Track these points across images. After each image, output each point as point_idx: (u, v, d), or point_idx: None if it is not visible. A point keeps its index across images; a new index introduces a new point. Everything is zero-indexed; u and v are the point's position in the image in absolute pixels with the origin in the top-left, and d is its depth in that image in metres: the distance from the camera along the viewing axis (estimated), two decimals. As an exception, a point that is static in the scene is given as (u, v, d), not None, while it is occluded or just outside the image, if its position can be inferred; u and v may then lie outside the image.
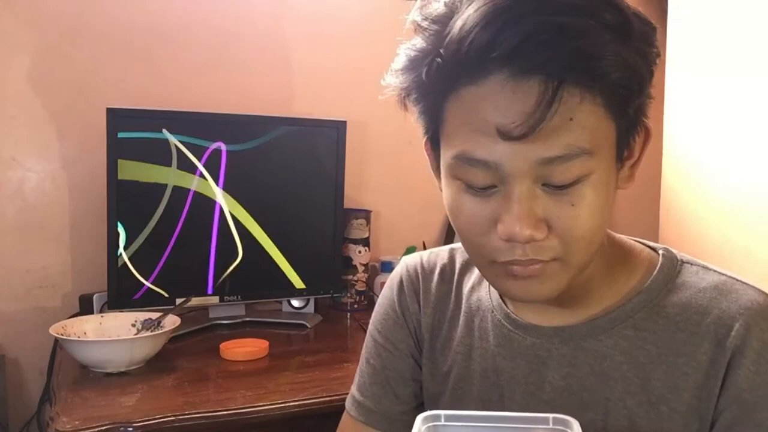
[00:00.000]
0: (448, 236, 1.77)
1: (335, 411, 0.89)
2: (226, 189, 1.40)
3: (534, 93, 0.50)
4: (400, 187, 1.71)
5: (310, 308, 1.55)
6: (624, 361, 0.61)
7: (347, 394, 0.83)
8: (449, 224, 1.77)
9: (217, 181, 1.40)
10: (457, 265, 0.78)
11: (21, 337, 1.42)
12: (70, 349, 1.14)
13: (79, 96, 1.45)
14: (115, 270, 1.32)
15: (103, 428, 0.90)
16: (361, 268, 1.60)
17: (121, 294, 1.33)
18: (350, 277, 1.59)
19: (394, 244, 1.73)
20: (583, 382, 0.63)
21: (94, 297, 1.37)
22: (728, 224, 1.34)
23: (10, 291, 1.43)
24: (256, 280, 1.46)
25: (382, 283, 1.08)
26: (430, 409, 0.55)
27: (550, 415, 0.52)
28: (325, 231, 1.51)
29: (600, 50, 0.49)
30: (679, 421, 0.59)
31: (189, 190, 1.37)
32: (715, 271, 0.64)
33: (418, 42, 0.56)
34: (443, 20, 0.54)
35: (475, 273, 0.76)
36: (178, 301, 1.33)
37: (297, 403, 1.02)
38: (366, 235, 1.60)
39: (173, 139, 1.35)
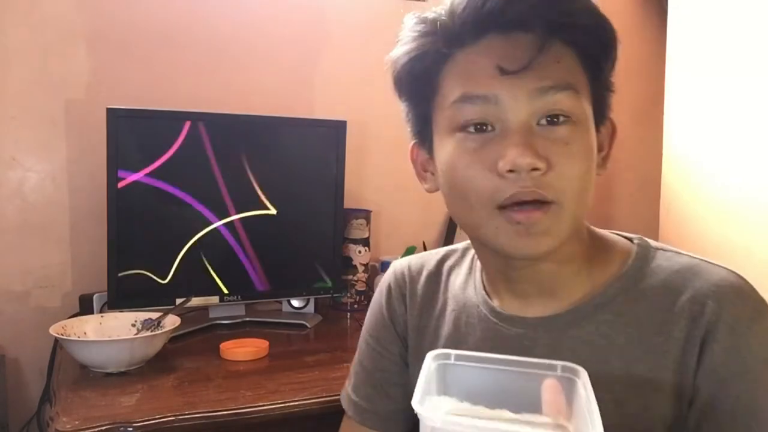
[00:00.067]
0: (448, 236, 1.77)
1: (335, 411, 0.89)
2: (227, 188, 1.40)
3: (525, 41, 0.58)
4: (400, 187, 1.71)
5: (310, 308, 1.55)
6: (606, 345, 0.63)
7: (346, 393, 0.84)
8: (449, 224, 1.77)
9: (217, 181, 1.40)
10: (445, 267, 0.80)
11: (21, 337, 1.42)
12: (70, 349, 1.14)
13: (79, 96, 1.45)
14: (115, 270, 1.32)
15: (103, 428, 0.90)
16: (361, 268, 1.60)
17: (121, 294, 1.33)
18: (350, 277, 1.59)
19: (394, 244, 1.73)
20: None
21: (94, 297, 1.37)
22: (728, 224, 1.34)
23: (10, 291, 1.43)
24: (256, 279, 1.46)
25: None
26: None
27: (558, 363, 0.53)
28: (325, 231, 1.51)
29: (571, 0, 0.59)
30: (663, 400, 0.61)
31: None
32: (686, 255, 0.67)
33: (419, 19, 0.64)
34: (437, 8, 0.63)
35: (463, 273, 0.78)
36: (178, 301, 1.33)
37: (297, 403, 1.02)
38: (366, 235, 1.60)
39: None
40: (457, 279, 0.78)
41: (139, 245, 1.35)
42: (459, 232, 1.71)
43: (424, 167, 0.71)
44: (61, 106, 1.44)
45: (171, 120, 1.36)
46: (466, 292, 0.76)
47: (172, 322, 1.23)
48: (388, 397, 0.81)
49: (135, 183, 1.32)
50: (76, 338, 1.16)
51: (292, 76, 1.65)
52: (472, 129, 0.61)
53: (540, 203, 0.58)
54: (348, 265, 1.59)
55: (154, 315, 1.25)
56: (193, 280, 1.39)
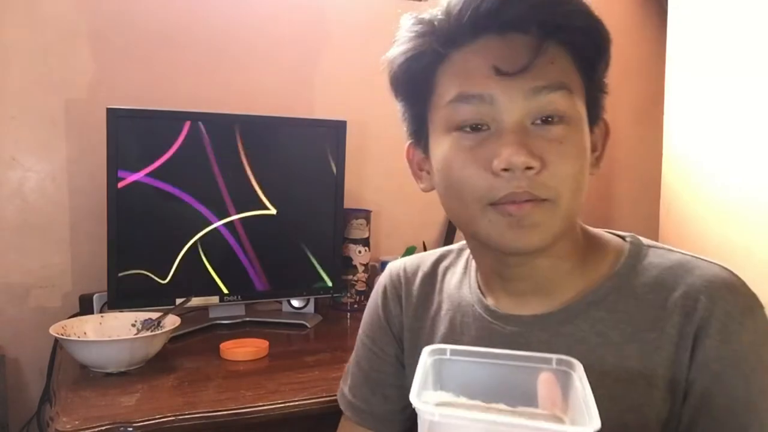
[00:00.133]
0: (448, 236, 1.77)
1: (335, 411, 0.89)
2: (227, 188, 1.41)
3: (521, 43, 0.59)
4: (400, 187, 1.71)
5: (310, 308, 1.55)
6: (600, 342, 0.64)
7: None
8: (449, 224, 1.77)
9: (217, 181, 1.40)
10: (441, 267, 0.81)
11: (21, 337, 1.42)
12: (70, 349, 1.14)
13: (79, 96, 1.45)
14: (115, 270, 1.32)
15: (103, 428, 0.90)
16: (361, 268, 1.60)
17: (121, 294, 1.33)
18: (350, 277, 1.59)
19: (394, 244, 1.73)
20: None
21: (94, 297, 1.37)
22: (728, 224, 1.34)
23: (10, 291, 1.43)
24: (256, 279, 1.46)
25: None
26: None
27: (554, 356, 0.53)
28: (325, 231, 1.51)
29: (567, 1, 0.60)
30: (656, 395, 0.61)
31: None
32: (678, 251, 0.67)
33: (416, 19, 0.65)
34: (433, 9, 0.64)
35: (458, 272, 0.79)
36: (178, 301, 1.33)
37: (297, 403, 1.02)
38: (366, 235, 1.60)
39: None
40: (453, 279, 0.79)
41: (139, 245, 1.35)
42: (459, 232, 1.71)
43: (420, 166, 0.72)
44: (61, 106, 1.44)
45: (171, 120, 1.37)
46: (461, 291, 0.76)
47: (172, 322, 1.23)
48: (385, 398, 0.82)
49: (135, 183, 1.32)
50: (76, 338, 1.16)
51: (292, 76, 1.65)
52: (467, 128, 0.62)
53: (533, 200, 0.59)
54: (348, 265, 1.59)
55: (154, 315, 1.25)
56: (193, 280, 1.39)
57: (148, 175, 1.33)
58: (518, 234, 0.60)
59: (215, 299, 1.43)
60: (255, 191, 1.43)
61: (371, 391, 0.82)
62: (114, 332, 1.22)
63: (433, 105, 0.66)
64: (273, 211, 1.46)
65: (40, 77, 1.42)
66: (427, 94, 0.66)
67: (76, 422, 0.91)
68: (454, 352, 0.55)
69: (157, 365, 1.16)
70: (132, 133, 1.32)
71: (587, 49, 0.62)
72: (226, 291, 1.43)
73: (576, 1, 0.60)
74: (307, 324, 1.46)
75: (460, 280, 0.78)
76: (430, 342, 0.76)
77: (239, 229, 1.43)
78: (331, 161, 1.49)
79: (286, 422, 1.02)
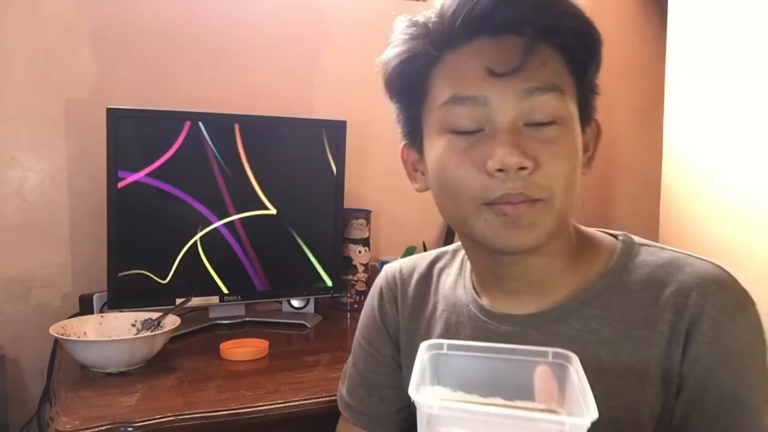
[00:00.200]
0: (448, 236, 1.77)
1: (335, 411, 0.89)
2: (227, 188, 1.40)
3: (513, 45, 0.60)
4: (400, 187, 1.69)
5: (310, 308, 1.55)
6: (594, 340, 0.64)
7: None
8: (449, 224, 1.77)
9: (217, 181, 1.40)
10: (436, 269, 0.82)
11: (21, 337, 1.42)
12: (70, 349, 1.14)
13: (79, 96, 1.45)
14: (115, 270, 1.32)
15: (103, 428, 0.90)
16: (361, 268, 1.60)
17: (121, 294, 1.33)
18: (350, 277, 1.59)
19: (394, 244, 1.73)
20: None
21: (94, 297, 1.37)
22: (728, 224, 1.34)
23: (10, 291, 1.43)
24: (256, 279, 1.46)
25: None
26: (416, 409, 0.56)
27: (550, 349, 0.54)
28: (325, 231, 1.51)
29: (559, 2, 0.61)
30: (650, 391, 0.62)
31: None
32: (670, 249, 0.68)
33: (409, 22, 0.66)
34: (427, 12, 0.65)
35: (453, 273, 0.79)
36: (178, 301, 1.33)
37: (297, 403, 1.02)
38: (366, 235, 1.60)
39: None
40: (448, 280, 0.79)
41: (139, 245, 1.35)
42: (459, 232, 1.71)
43: (415, 167, 0.73)
44: (61, 106, 1.44)
45: (171, 120, 1.36)
46: (456, 291, 0.77)
47: (172, 322, 1.23)
48: (382, 399, 0.82)
49: (135, 183, 1.32)
50: (76, 338, 1.16)
51: (292, 76, 1.65)
52: (462, 130, 0.62)
53: (527, 200, 0.60)
54: (348, 265, 1.59)
55: (154, 315, 1.25)
56: (193, 280, 1.39)
57: (148, 175, 1.33)
58: (513, 234, 0.61)
59: (215, 299, 1.43)
60: (255, 191, 1.43)
61: (368, 392, 0.83)
62: (114, 332, 1.22)
63: (427, 107, 0.66)
64: (273, 211, 1.46)
65: (40, 77, 1.42)
66: (422, 96, 0.67)
67: (76, 422, 0.91)
68: (451, 347, 0.56)
69: (157, 365, 1.16)
70: (132, 133, 1.32)
71: (579, 50, 0.63)
72: (226, 291, 1.43)
73: (568, 3, 0.61)
74: (307, 324, 1.46)
75: (455, 280, 0.78)
76: None
77: (239, 229, 1.43)
78: (331, 161, 1.49)
79: (286, 422, 1.02)
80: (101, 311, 1.34)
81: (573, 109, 0.63)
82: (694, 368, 0.61)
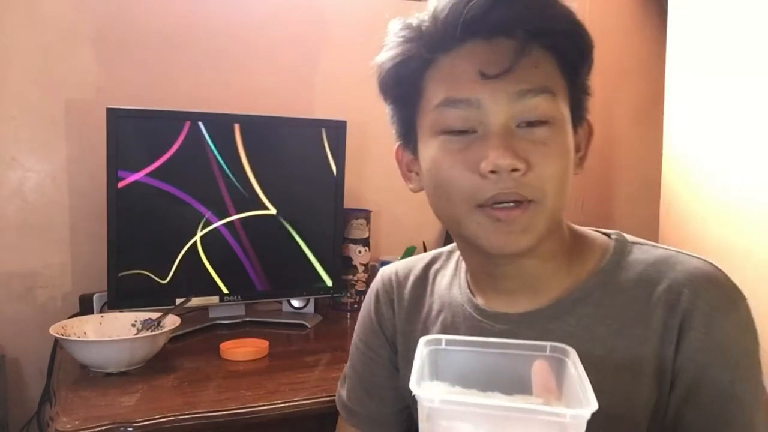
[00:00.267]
0: (448, 236, 1.76)
1: (335, 411, 0.89)
2: (227, 188, 1.41)
3: (505, 48, 0.61)
4: (400, 187, 1.68)
5: (310, 308, 1.55)
6: (588, 337, 0.65)
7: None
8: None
9: (217, 181, 1.40)
10: (432, 271, 0.82)
11: (21, 337, 1.42)
12: (70, 349, 1.14)
13: (79, 96, 1.45)
14: (115, 270, 1.32)
15: (103, 428, 0.90)
16: (361, 268, 1.60)
17: (121, 294, 1.33)
18: (350, 277, 1.59)
19: (394, 244, 1.73)
20: None
21: (94, 297, 1.37)
22: (728, 224, 1.34)
23: (10, 291, 1.43)
24: (256, 279, 1.46)
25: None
26: (414, 409, 0.57)
27: (547, 343, 0.54)
28: (325, 231, 1.51)
29: (550, 5, 0.62)
30: (644, 387, 0.63)
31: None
32: (662, 247, 0.69)
33: (403, 24, 0.67)
34: (421, 14, 0.66)
35: (449, 273, 0.80)
36: (178, 301, 1.33)
37: (297, 403, 1.02)
38: (366, 235, 1.60)
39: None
40: (443, 280, 0.80)
41: (139, 245, 1.35)
42: (459, 232, 1.71)
43: (409, 167, 0.74)
44: (61, 106, 1.44)
45: (171, 120, 1.36)
46: (451, 292, 0.77)
47: (172, 322, 1.23)
48: (382, 401, 0.83)
49: (135, 183, 1.32)
50: (76, 338, 1.16)
51: (292, 76, 1.65)
52: (455, 132, 0.63)
53: (519, 202, 0.61)
54: (348, 265, 1.59)
55: (154, 315, 1.25)
56: (193, 280, 1.39)
57: (148, 175, 1.33)
58: (506, 239, 0.62)
59: (215, 299, 1.43)
60: (255, 191, 1.43)
61: (367, 394, 0.84)
62: (114, 332, 1.22)
63: (421, 109, 0.67)
64: (273, 211, 1.46)
65: (40, 77, 1.42)
66: (416, 98, 0.67)
67: (76, 422, 0.91)
68: (449, 342, 0.56)
69: (157, 365, 1.16)
70: (132, 133, 1.32)
71: (570, 52, 0.64)
72: (226, 291, 1.43)
73: (559, 6, 0.62)
74: (307, 324, 1.46)
75: (450, 281, 0.79)
76: None
77: (239, 229, 1.43)
78: (331, 161, 1.49)
79: (286, 422, 1.02)
80: (101, 311, 1.34)
81: (565, 110, 0.64)
82: (687, 364, 0.62)
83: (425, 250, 1.60)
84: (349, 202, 1.55)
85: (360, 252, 1.59)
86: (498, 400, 0.49)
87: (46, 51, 1.42)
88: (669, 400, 0.63)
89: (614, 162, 2.05)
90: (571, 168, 0.64)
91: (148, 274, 1.35)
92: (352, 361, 0.87)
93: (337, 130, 1.49)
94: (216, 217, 1.40)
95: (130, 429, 0.91)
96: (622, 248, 0.69)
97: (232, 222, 1.42)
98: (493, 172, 0.60)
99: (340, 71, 1.67)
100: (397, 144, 0.74)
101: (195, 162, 1.37)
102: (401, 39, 0.66)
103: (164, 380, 1.10)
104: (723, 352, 0.61)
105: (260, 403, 1.01)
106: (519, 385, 0.51)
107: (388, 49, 0.68)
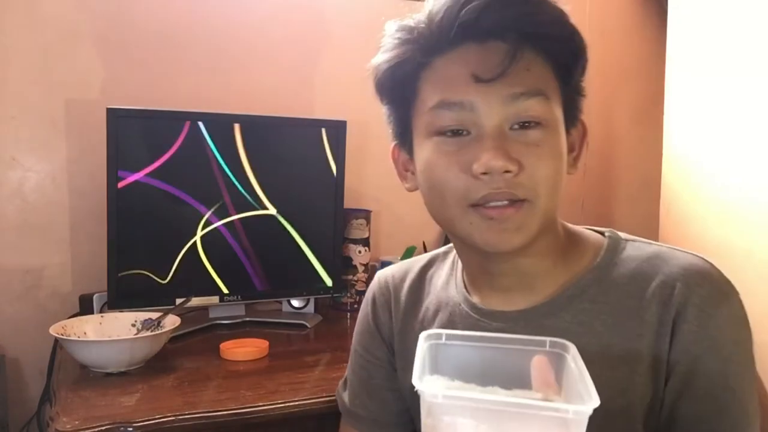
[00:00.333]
0: (447, 236, 1.76)
1: (335, 411, 0.89)
2: (227, 188, 1.40)
3: (498, 51, 0.61)
4: (400, 187, 1.69)
5: (310, 308, 1.55)
6: (584, 333, 0.66)
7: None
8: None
9: (217, 181, 1.40)
10: (429, 272, 0.83)
11: (21, 337, 1.42)
12: (70, 349, 1.14)
13: (79, 96, 1.45)
14: (115, 270, 1.32)
15: (103, 428, 0.90)
16: (361, 268, 1.60)
17: (121, 294, 1.33)
18: (350, 277, 1.59)
19: (394, 244, 1.73)
20: None
21: (94, 297, 1.37)
22: (728, 224, 1.34)
23: (10, 291, 1.43)
24: (256, 279, 1.46)
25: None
26: (415, 409, 0.56)
27: (547, 339, 0.55)
28: (325, 231, 1.51)
29: (543, 10, 0.63)
30: (639, 380, 0.64)
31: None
32: (655, 244, 0.70)
33: (399, 26, 0.68)
34: (417, 16, 0.66)
35: (445, 273, 0.81)
36: (178, 301, 1.33)
37: (297, 403, 1.02)
38: (366, 235, 1.60)
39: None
40: (439, 281, 0.81)
41: (139, 245, 1.35)
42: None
43: (405, 167, 0.75)
44: (61, 106, 1.44)
45: (171, 120, 1.36)
46: (447, 291, 0.78)
47: (172, 322, 1.23)
48: (382, 403, 0.84)
49: (135, 183, 1.32)
50: (76, 338, 1.16)
51: (292, 76, 1.65)
52: (449, 133, 0.64)
53: (512, 201, 0.62)
54: (348, 265, 1.59)
55: (154, 315, 1.25)
56: (193, 280, 1.39)
57: (148, 175, 1.33)
58: (499, 237, 0.63)
59: (215, 299, 1.43)
60: (255, 191, 1.43)
61: (369, 397, 0.84)
62: (114, 332, 1.22)
63: (416, 110, 0.68)
64: (273, 211, 1.46)
65: (40, 77, 1.42)
66: (411, 100, 0.68)
67: (76, 422, 0.91)
68: (449, 337, 0.57)
69: (157, 365, 1.16)
70: (132, 133, 1.32)
71: (563, 55, 0.65)
72: (226, 291, 1.43)
73: (551, 9, 0.63)
74: (307, 324, 1.46)
75: (446, 280, 0.80)
76: None
77: (239, 229, 1.43)
78: (331, 161, 1.49)
79: (286, 422, 1.02)
80: (101, 311, 1.34)
81: (558, 112, 0.65)
82: (681, 356, 0.63)
83: (425, 250, 1.60)
84: (349, 202, 1.55)
85: (360, 252, 1.59)
86: (501, 396, 0.49)
87: (46, 51, 1.42)
88: (665, 393, 0.64)
89: (614, 162, 2.05)
90: (563, 169, 0.65)
91: (148, 274, 1.35)
92: (352, 366, 0.88)
93: (337, 130, 1.49)
94: (216, 217, 1.40)
95: (130, 429, 0.91)
96: (616, 245, 0.70)
97: (232, 222, 1.42)
98: (485, 173, 0.61)
99: (340, 71, 1.67)
100: (394, 144, 0.76)
101: (195, 162, 1.37)
102: (397, 41, 0.67)
103: (164, 380, 1.10)
104: (716, 344, 0.62)
105: (260, 403, 1.01)
106: (518, 380, 0.52)
107: (384, 51, 0.69)
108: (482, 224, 0.63)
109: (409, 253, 1.65)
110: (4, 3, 1.39)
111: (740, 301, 0.65)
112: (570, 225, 0.75)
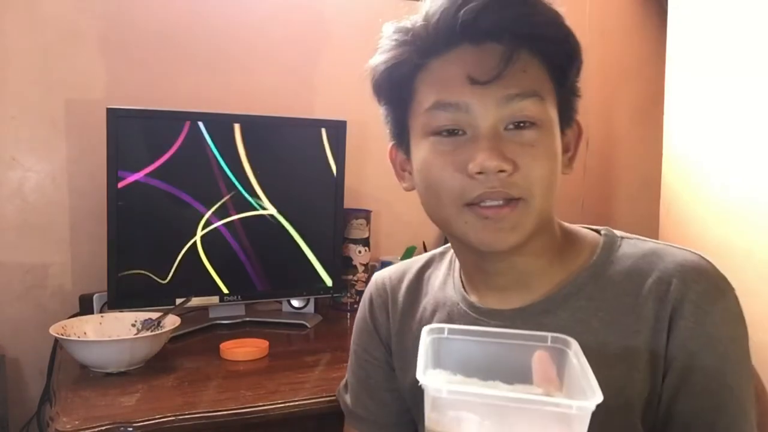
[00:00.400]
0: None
1: (335, 411, 0.89)
2: (227, 188, 1.41)
3: (494, 53, 0.62)
4: (399, 187, 1.69)
5: (310, 308, 1.55)
6: (581, 330, 0.66)
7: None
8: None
9: (217, 181, 1.40)
10: (426, 273, 0.83)
11: (21, 337, 1.42)
12: (70, 349, 1.14)
13: (79, 96, 1.45)
14: (115, 270, 1.32)
15: (103, 428, 0.90)
16: (361, 268, 1.60)
17: (121, 294, 1.33)
18: (350, 277, 1.59)
19: (394, 244, 1.73)
20: None
21: (94, 297, 1.37)
22: (728, 224, 1.34)
23: (10, 291, 1.43)
24: (256, 279, 1.46)
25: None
26: (415, 408, 0.57)
27: (549, 334, 0.55)
28: (325, 231, 1.51)
29: (539, 11, 0.63)
30: (637, 377, 0.64)
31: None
32: (651, 241, 0.71)
33: (396, 28, 0.68)
34: (414, 17, 0.67)
35: (442, 273, 0.81)
36: (178, 301, 1.33)
37: (297, 403, 1.02)
38: (366, 235, 1.60)
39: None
40: (437, 281, 0.81)
41: (139, 245, 1.35)
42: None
43: (403, 167, 0.76)
44: (61, 106, 1.44)
45: (171, 120, 1.37)
46: (445, 291, 0.78)
47: (172, 322, 1.23)
48: (384, 403, 0.84)
49: (135, 183, 1.32)
50: (76, 338, 1.16)
51: (292, 76, 1.65)
52: (445, 133, 0.65)
53: (507, 200, 0.62)
54: (348, 265, 1.59)
55: (154, 315, 1.25)
56: (193, 280, 1.39)
57: (148, 175, 1.33)
58: (495, 236, 0.64)
59: (215, 299, 1.43)
60: (255, 191, 1.43)
61: (370, 398, 0.85)
62: (114, 332, 1.22)
63: (413, 111, 0.69)
64: (273, 211, 1.46)
65: (40, 77, 1.42)
66: (408, 101, 0.69)
67: (76, 422, 0.91)
68: (451, 332, 0.57)
69: (157, 365, 1.16)
70: (132, 133, 1.32)
71: (558, 57, 0.65)
72: (226, 291, 1.43)
73: (547, 12, 0.64)
74: (307, 324, 1.46)
75: (443, 280, 0.80)
76: (417, 345, 0.78)
77: (239, 229, 1.43)
78: (331, 161, 1.49)
79: (286, 422, 1.02)
80: (101, 311, 1.34)
81: (553, 113, 0.65)
82: (678, 352, 0.63)
83: (425, 250, 1.60)
84: (349, 202, 1.55)
85: (360, 252, 1.59)
86: (506, 391, 0.50)
87: (46, 51, 1.42)
88: (662, 389, 0.64)
89: (614, 162, 2.05)
90: (558, 169, 0.66)
91: (148, 274, 1.35)
92: (352, 367, 0.88)
93: (337, 130, 1.49)
94: (216, 217, 1.40)
95: (130, 429, 0.91)
96: (612, 243, 0.71)
97: (232, 222, 1.42)
98: (480, 173, 0.61)
99: (340, 71, 1.67)
100: (391, 144, 0.76)
101: (195, 162, 1.37)
102: (394, 43, 0.68)
103: (164, 380, 1.10)
104: (712, 340, 0.63)
105: (260, 403, 1.01)
106: (519, 375, 0.52)
107: (381, 53, 0.69)
108: (477, 223, 0.63)
109: (409, 253, 1.65)
110: (4, 3, 1.39)
111: (736, 298, 0.65)
112: (566, 224, 0.75)
